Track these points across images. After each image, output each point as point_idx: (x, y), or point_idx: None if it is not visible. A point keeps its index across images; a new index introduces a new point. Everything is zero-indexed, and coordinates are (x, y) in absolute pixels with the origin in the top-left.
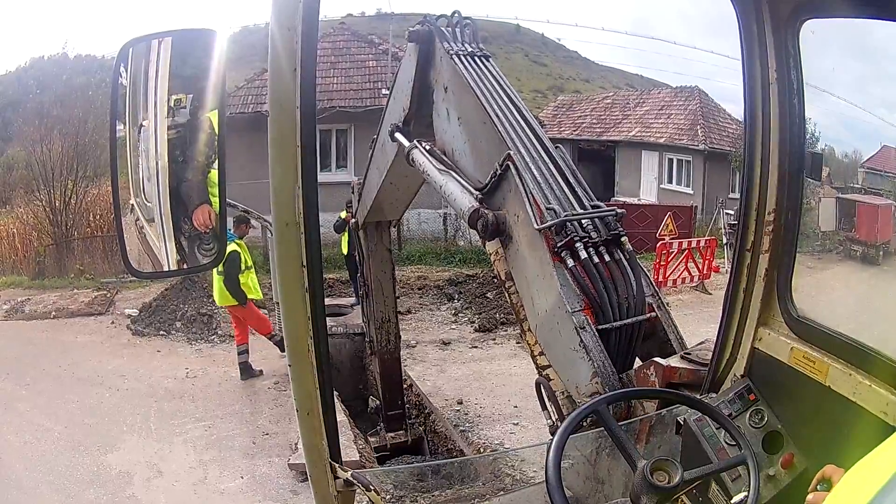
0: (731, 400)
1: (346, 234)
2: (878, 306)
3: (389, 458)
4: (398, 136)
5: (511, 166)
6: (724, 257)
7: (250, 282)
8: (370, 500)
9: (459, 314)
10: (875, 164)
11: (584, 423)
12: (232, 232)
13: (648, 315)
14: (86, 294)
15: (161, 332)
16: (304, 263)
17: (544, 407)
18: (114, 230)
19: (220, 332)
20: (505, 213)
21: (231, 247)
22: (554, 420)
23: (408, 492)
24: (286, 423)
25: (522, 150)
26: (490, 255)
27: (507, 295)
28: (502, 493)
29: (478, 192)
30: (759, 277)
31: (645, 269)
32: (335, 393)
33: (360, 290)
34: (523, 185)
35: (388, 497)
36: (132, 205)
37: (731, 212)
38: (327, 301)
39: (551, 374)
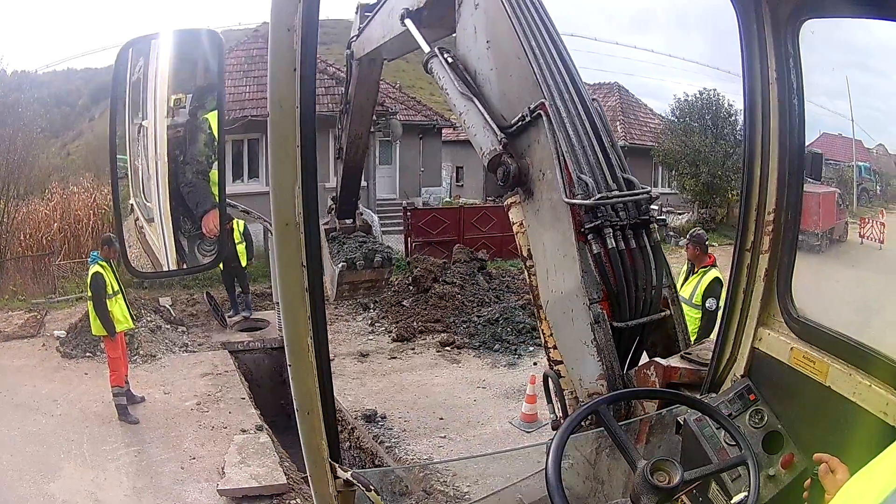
0: (731, 400)
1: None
2: (824, 295)
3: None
4: (409, 23)
5: (544, 118)
6: None
7: (117, 310)
8: (370, 500)
9: (376, 324)
10: None
11: (585, 423)
12: (97, 254)
13: (662, 314)
14: (19, 316)
15: (87, 354)
16: (304, 263)
17: (549, 401)
18: (44, 249)
19: (141, 353)
20: (529, 164)
21: (93, 269)
22: (558, 416)
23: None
24: (212, 446)
25: (558, 102)
26: (507, 209)
27: (526, 275)
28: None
29: (502, 134)
30: (759, 277)
31: (667, 259)
32: (258, 412)
33: (340, 108)
34: (555, 143)
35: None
36: (132, 205)
37: (655, 207)
38: (245, 317)
39: (562, 371)
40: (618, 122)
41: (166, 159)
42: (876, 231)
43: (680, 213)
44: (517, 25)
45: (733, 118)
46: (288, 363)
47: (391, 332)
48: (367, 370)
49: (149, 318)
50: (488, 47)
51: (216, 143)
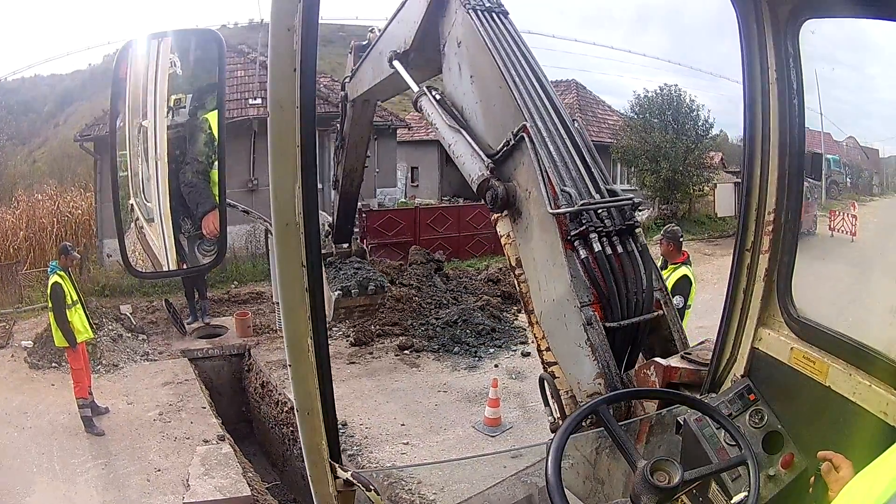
0: (731, 400)
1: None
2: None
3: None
4: (397, 65)
5: (526, 139)
6: None
7: (77, 320)
8: (370, 499)
9: (334, 328)
10: None
11: (585, 424)
12: (56, 264)
13: (655, 314)
14: None
15: (53, 365)
16: (304, 263)
17: (547, 403)
18: (11, 258)
19: (103, 362)
20: (515, 186)
21: (53, 279)
22: (556, 418)
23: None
24: (175, 458)
25: (539, 123)
26: (495, 223)
27: (516, 283)
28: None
29: (489, 160)
30: (759, 277)
31: (655, 263)
32: (219, 420)
33: (336, 143)
34: (538, 161)
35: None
36: (131, 205)
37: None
38: (205, 323)
39: (557, 372)
40: (575, 120)
41: (166, 159)
42: (847, 224)
43: (640, 210)
44: (497, 57)
45: (695, 113)
46: (288, 363)
47: (349, 336)
48: None
49: (110, 327)
50: (472, 81)
51: (216, 143)
